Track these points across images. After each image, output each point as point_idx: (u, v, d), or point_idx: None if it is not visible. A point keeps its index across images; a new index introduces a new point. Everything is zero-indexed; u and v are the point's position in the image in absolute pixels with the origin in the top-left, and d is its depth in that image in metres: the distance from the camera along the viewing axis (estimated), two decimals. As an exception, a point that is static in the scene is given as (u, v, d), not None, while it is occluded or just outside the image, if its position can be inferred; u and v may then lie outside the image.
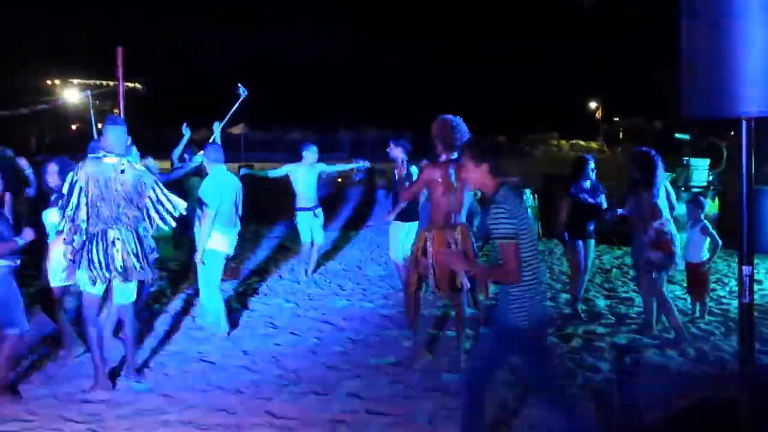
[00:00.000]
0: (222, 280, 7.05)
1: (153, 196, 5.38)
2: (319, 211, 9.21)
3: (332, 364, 6.02)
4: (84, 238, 5.22)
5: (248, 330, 7.12)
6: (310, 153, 9.06)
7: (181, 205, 5.50)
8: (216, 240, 6.66)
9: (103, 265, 5.19)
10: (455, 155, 5.74)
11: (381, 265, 10.49)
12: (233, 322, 7.22)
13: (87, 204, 5.18)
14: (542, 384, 4.07)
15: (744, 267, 3.31)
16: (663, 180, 6.69)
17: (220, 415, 4.92)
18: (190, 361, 6.16)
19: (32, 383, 5.60)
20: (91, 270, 5.19)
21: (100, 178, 5.19)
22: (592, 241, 7.61)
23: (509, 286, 3.82)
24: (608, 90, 61.07)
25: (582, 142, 59.74)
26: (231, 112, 8.11)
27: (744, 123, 3.28)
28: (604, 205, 7.41)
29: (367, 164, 10.49)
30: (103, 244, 5.20)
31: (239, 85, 8.19)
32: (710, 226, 7.28)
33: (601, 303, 8.14)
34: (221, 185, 6.69)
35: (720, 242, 7.16)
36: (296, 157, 9.29)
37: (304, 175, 9.05)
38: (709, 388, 5.44)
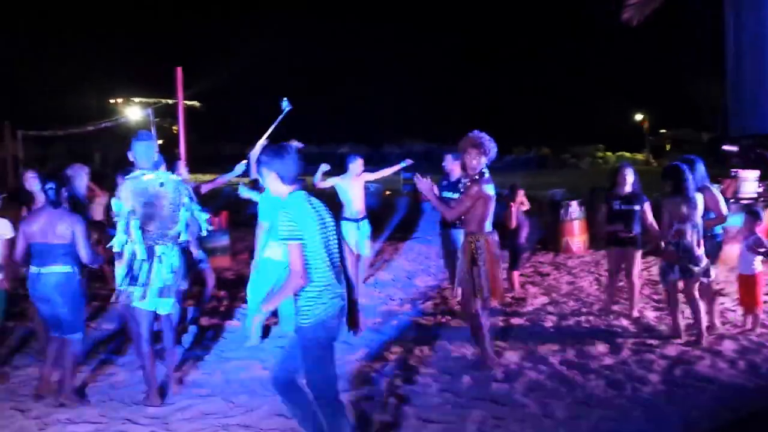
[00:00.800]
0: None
1: (186, 202, 5.60)
2: (364, 223, 9.14)
3: (383, 372, 6.16)
4: (134, 255, 5.39)
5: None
6: (355, 164, 9.11)
7: (204, 225, 5.76)
8: (272, 250, 6.87)
9: (148, 280, 5.38)
10: (486, 169, 6.15)
11: (430, 275, 10.62)
12: (288, 332, 7.40)
13: (134, 223, 5.36)
14: (318, 388, 4.19)
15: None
16: (696, 187, 6.95)
17: (278, 420, 5.10)
18: (250, 368, 6.36)
19: (100, 386, 5.88)
20: (136, 286, 5.37)
21: (143, 196, 5.39)
22: (632, 249, 7.88)
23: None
24: (655, 101, 60.38)
25: (628, 154, 59.05)
26: (274, 125, 8.28)
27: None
28: (640, 212, 7.71)
29: (409, 162, 10.34)
30: (149, 260, 5.39)
31: (283, 98, 8.36)
32: (764, 239, 7.28)
33: (650, 314, 8.14)
34: (275, 198, 6.88)
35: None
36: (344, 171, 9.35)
37: (350, 186, 9.12)
38: (760, 401, 5.44)
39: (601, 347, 6.79)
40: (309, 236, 4.01)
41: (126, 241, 5.37)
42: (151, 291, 5.39)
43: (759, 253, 7.25)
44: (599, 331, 7.41)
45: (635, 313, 7.99)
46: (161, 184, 5.47)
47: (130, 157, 5.62)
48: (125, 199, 5.37)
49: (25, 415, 5.27)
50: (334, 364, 4.20)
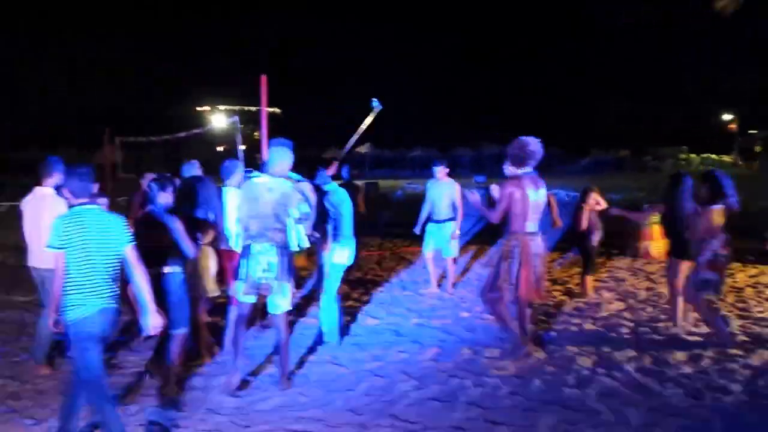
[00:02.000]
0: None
1: (295, 214, 5.71)
2: (449, 224, 9.47)
3: (453, 373, 6.11)
4: (240, 252, 5.71)
5: (375, 337, 7.37)
6: (437, 169, 9.58)
7: (304, 241, 5.84)
8: (335, 254, 6.94)
9: (246, 276, 5.61)
10: (529, 169, 6.42)
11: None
12: (360, 330, 7.60)
13: (239, 221, 5.68)
14: (83, 375, 4.48)
15: None
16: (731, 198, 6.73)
17: (347, 415, 5.16)
18: (324, 363, 6.47)
19: (186, 378, 6.04)
20: (238, 281, 5.66)
21: (249, 196, 5.62)
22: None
23: None
24: (745, 101, 58.22)
25: (714, 156, 57.25)
26: (365, 124, 8.33)
27: None
28: None
29: (483, 178, 10.70)
30: (248, 257, 5.61)
31: (373, 99, 8.41)
32: None
33: (734, 323, 7.83)
34: (337, 203, 6.93)
35: None
36: (420, 173, 9.70)
37: (434, 189, 9.58)
38: None
39: (679, 355, 6.56)
40: (70, 245, 4.39)
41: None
42: (246, 286, 5.64)
43: None
44: (678, 339, 7.16)
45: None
46: (269, 189, 5.65)
47: (266, 159, 5.88)
48: (234, 199, 5.69)
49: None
50: (100, 356, 4.49)
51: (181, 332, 5.58)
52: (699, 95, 59.38)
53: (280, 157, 5.76)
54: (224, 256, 6.62)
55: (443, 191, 9.52)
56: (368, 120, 8.43)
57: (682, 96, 60.77)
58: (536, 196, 6.39)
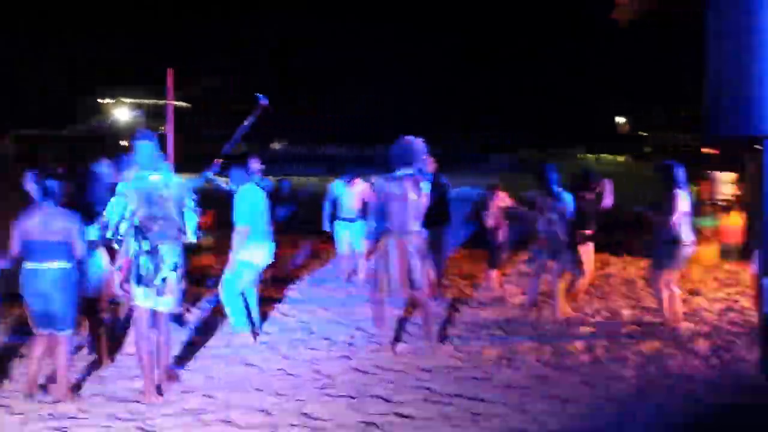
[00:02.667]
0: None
1: (190, 205, 5.68)
2: (360, 222, 9.65)
3: (364, 369, 6.24)
4: (135, 253, 5.49)
5: (286, 335, 7.42)
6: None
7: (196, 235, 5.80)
8: (249, 252, 6.95)
9: (152, 280, 5.48)
10: (410, 170, 6.54)
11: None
12: (272, 328, 7.61)
13: (137, 221, 5.46)
14: None
15: (764, 279, 3.48)
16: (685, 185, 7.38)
17: (258, 416, 5.16)
18: (232, 364, 6.44)
19: (85, 383, 5.92)
20: (140, 285, 5.47)
21: (148, 196, 5.47)
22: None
23: None
24: (636, 104, 60.72)
25: (609, 156, 59.44)
26: (250, 121, 8.28)
27: (766, 142, 3.46)
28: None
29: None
30: (153, 259, 5.47)
31: (258, 95, 8.37)
32: None
33: (626, 312, 8.29)
34: (252, 202, 6.97)
35: None
36: (332, 171, 9.85)
37: (344, 188, 9.90)
38: (732, 396, 5.57)
39: (577, 345, 6.92)
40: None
41: (122, 236, 5.50)
42: (152, 290, 5.49)
43: None
44: (576, 330, 7.54)
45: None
46: (166, 185, 5.56)
47: (133, 158, 5.70)
48: (130, 198, 5.46)
49: (7, 410, 5.31)
50: None
51: (69, 333, 5.47)
52: (595, 97, 61.56)
53: (151, 150, 5.62)
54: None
55: (354, 192, 9.77)
56: (252, 117, 8.39)
57: (580, 97, 62.84)
58: (416, 195, 6.53)
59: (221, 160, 7.75)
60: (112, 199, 5.52)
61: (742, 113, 3.33)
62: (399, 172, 6.57)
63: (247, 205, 6.95)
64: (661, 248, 7.43)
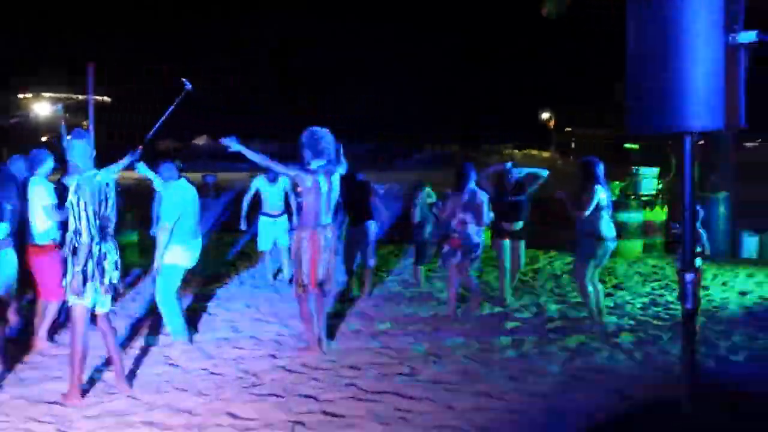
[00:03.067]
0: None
1: (114, 201, 5.52)
2: (284, 217, 9.61)
3: (291, 368, 6.13)
4: (78, 253, 5.28)
5: (210, 334, 7.24)
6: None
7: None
8: (175, 254, 6.72)
9: (98, 278, 5.31)
10: (323, 162, 6.42)
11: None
12: (197, 327, 7.42)
13: (87, 220, 5.27)
14: None
15: (686, 274, 3.52)
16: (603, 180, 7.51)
17: (183, 416, 5.01)
18: (156, 364, 6.26)
19: (3, 385, 5.67)
20: (87, 283, 5.27)
21: (95, 194, 5.31)
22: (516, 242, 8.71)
23: None
24: (561, 101, 62.02)
25: (535, 152, 60.54)
26: (174, 104, 8.04)
27: (687, 138, 3.49)
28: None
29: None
30: (96, 258, 5.31)
31: (183, 79, 8.15)
32: (704, 234, 7.62)
33: (552, 308, 8.38)
34: (180, 201, 6.75)
35: (708, 248, 7.63)
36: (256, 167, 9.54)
37: (267, 184, 9.63)
38: (655, 390, 5.66)
39: (503, 340, 6.95)
40: None
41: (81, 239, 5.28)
42: (101, 289, 5.33)
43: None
44: (503, 326, 7.58)
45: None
46: (107, 184, 5.43)
47: (69, 157, 5.49)
48: (87, 195, 5.25)
49: None
50: None
51: None
52: (520, 92, 62.75)
53: (88, 149, 5.46)
54: (31, 252, 6.31)
55: (277, 187, 9.57)
56: (178, 99, 8.16)
57: (506, 93, 63.91)
58: (329, 188, 6.45)
59: (141, 147, 7.48)
60: (71, 199, 5.29)
61: (662, 110, 3.35)
62: (312, 165, 6.45)
63: (176, 202, 6.73)
64: (582, 243, 7.56)
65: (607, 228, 7.42)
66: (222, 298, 8.91)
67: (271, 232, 9.60)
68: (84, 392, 5.43)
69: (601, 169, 7.47)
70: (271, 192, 9.56)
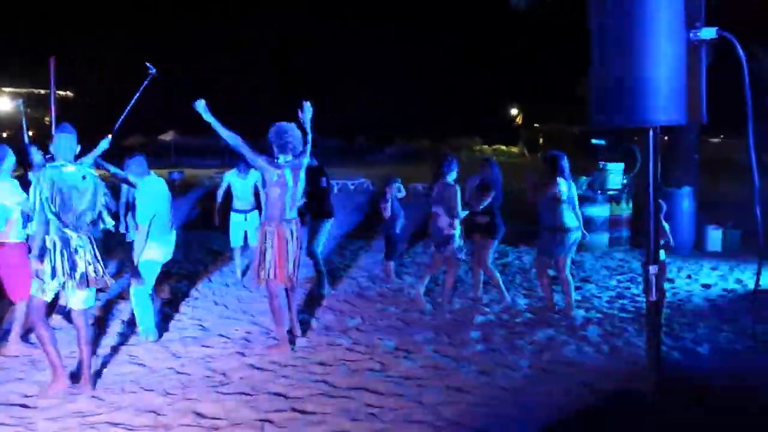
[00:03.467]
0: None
1: (102, 200, 5.54)
2: (254, 213, 9.48)
3: (260, 365, 6.10)
4: (51, 245, 5.27)
5: (177, 332, 7.16)
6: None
7: (109, 222, 5.66)
8: (150, 250, 6.69)
9: (67, 273, 5.27)
10: (290, 157, 6.48)
11: (307, 267, 10.58)
12: (164, 326, 7.31)
13: (50, 212, 5.25)
14: None
15: (650, 266, 3.55)
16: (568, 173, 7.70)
17: (149, 417, 4.95)
18: (121, 363, 6.18)
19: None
20: (54, 278, 5.26)
21: (63, 187, 5.28)
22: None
23: None
24: (529, 96, 62.53)
25: (503, 147, 60.98)
26: (140, 90, 7.96)
27: (650, 131, 3.52)
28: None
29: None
30: (66, 252, 5.27)
31: (148, 64, 8.06)
32: (667, 227, 7.71)
33: (521, 301, 8.43)
34: (153, 197, 6.69)
35: (671, 241, 7.71)
36: (226, 163, 9.56)
37: (237, 180, 9.52)
38: (622, 382, 5.72)
39: (474, 335, 6.97)
40: None
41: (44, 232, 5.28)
42: (69, 284, 5.31)
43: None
44: (473, 319, 7.61)
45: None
46: (83, 177, 5.40)
47: (51, 149, 5.51)
48: (44, 188, 5.24)
49: None
50: None
51: None
52: (489, 88, 63.25)
53: (70, 143, 5.47)
54: None
55: (248, 182, 9.49)
56: (143, 84, 8.09)
57: (476, 89, 64.29)
58: (294, 183, 6.49)
59: (111, 135, 7.38)
60: (30, 192, 5.29)
61: (625, 104, 3.38)
62: (279, 159, 6.46)
63: (149, 199, 6.66)
64: (544, 235, 7.80)
65: (570, 219, 7.62)
66: (190, 297, 8.83)
67: (241, 228, 9.52)
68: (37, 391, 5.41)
69: (565, 162, 7.62)
70: (242, 186, 9.47)
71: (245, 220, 9.51)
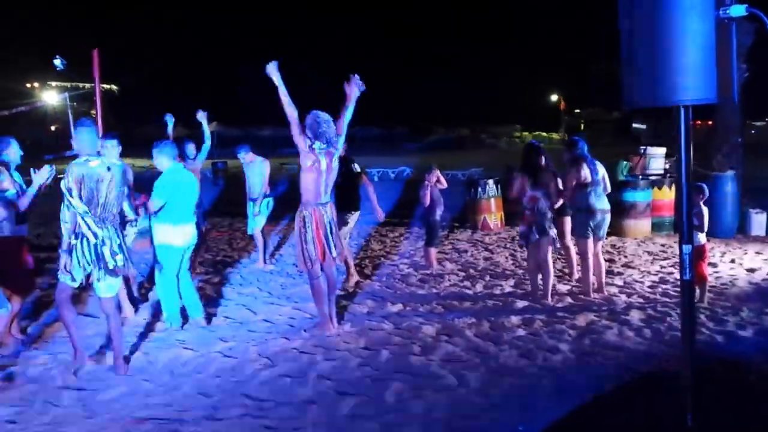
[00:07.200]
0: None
1: (126, 190, 5.73)
2: (266, 200, 9.86)
3: (304, 349, 6.23)
4: (78, 236, 5.48)
5: (224, 318, 7.36)
6: (243, 155, 9.92)
7: (130, 213, 5.90)
8: (167, 235, 6.82)
9: (93, 263, 5.47)
10: (324, 145, 6.56)
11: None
12: (211, 311, 7.52)
13: (77, 206, 5.42)
14: None
15: (684, 246, 3.58)
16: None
17: (197, 399, 5.11)
18: (171, 347, 6.36)
19: (20, 369, 5.80)
20: (79, 268, 5.46)
21: (89, 181, 5.44)
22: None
23: None
24: (570, 82, 61.84)
25: (544, 134, 60.48)
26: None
27: (681, 110, 3.54)
28: None
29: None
30: (93, 242, 5.45)
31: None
32: (706, 211, 7.67)
33: (562, 287, 8.45)
34: (175, 182, 6.84)
35: (705, 226, 7.67)
36: (265, 154, 9.82)
37: (248, 169, 9.94)
38: (664, 366, 5.72)
39: (514, 320, 7.02)
40: None
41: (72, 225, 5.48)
42: (98, 274, 5.51)
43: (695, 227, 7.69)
44: (514, 305, 7.66)
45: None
46: (108, 169, 5.53)
47: (74, 144, 5.65)
48: (71, 183, 5.41)
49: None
50: None
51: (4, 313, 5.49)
52: (529, 75, 62.65)
53: (93, 137, 5.59)
54: None
55: (257, 170, 9.79)
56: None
57: (515, 76, 63.74)
58: (328, 168, 6.61)
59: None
60: (63, 184, 5.46)
61: (656, 84, 3.40)
62: (314, 145, 6.56)
63: (167, 184, 6.78)
64: (575, 217, 8.00)
65: (597, 201, 7.82)
66: (235, 283, 9.02)
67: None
68: (91, 375, 5.62)
69: (584, 146, 7.93)
70: (253, 176, 9.86)
71: (253, 205, 9.90)
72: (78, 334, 5.76)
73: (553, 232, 7.79)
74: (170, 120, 8.89)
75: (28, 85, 52.29)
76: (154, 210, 6.75)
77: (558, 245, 8.18)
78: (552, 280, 7.93)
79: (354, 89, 6.70)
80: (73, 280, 5.53)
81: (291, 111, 6.39)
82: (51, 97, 43.24)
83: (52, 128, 47.83)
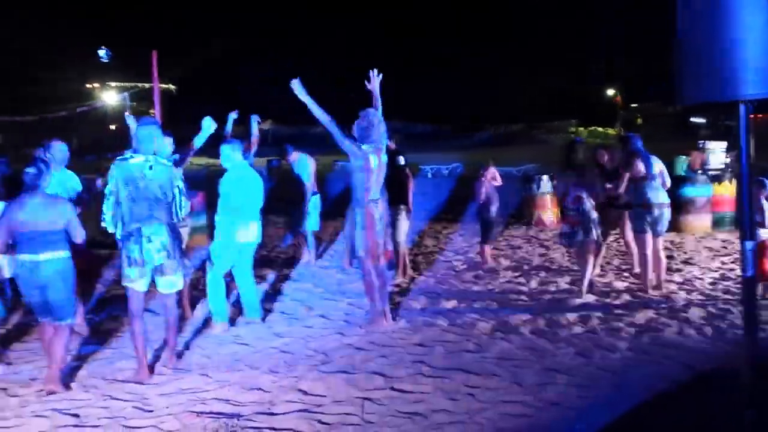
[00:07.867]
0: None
1: (180, 185, 5.73)
2: (315, 198, 9.96)
3: (359, 345, 6.26)
4: (122, 235, 5.56)
5: (280, 313, 7.45)
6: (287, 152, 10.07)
7: (186, 207, 5.85)
8: (234, 231, 6.86)
9: (141, 261, 5.52)
10: (371, 146, 6.62)
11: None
12: (267, 307, 7.61)
13: (118, 205, 5.52)
14: None
15: (746, 242, 3.48)
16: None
17: (254, 393, 5.17)
18: (227, 343, 6.46)
19: (77, 365, 5.94)
20: (131, 267, 5.52)
21: (129, 179, 5.49)
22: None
23: None
24: (627, 76, 60.78)
25: (600, 129, 59.54)
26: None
27: (741, 106, 3.44)
28: None
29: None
30: (138, 241, 5.50)
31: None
32: (767, 206, 7.53)
33: (619, 284, 8.32)
34: (239, 180, 6.93)
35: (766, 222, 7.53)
36: (319, 151, 9.92)
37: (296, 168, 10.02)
38: (725, 364, 5.58)
39: (570, 317, 6.94)
40: None
41: (116, 222, 5.57)
42: (142, 271, 5.54)
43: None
44: (569, 301, 7.58)
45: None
46: (150, 167, 5.55)
47: (134, 143, 5.74)
48: (111, 182, 5.51)
49: (6, 393, 5.33)
50: None
51: (71, 322, 5.50)
52: (585, 70, 61.94)
53: (150, 136, 5.64)
54: None
55: (302, 168, 9.87)
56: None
57: (572, 71, 63.04)
58: (378, 165, 6.66)
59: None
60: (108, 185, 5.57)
61: (714, 79, 3.31)
62: (364, 145, 6.61)
63: (234, 184, 6.89)
64: (633, 212, 7.92)
65: (655, 195, 7.73)
66: (292, 279, 9.12)
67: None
68: (152, 369, 5.72)
69: (638, 142, 7.91)
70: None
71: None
72: (144, 349, 5.68)
73: (596, 232, 7.66)
74: (254, 119, 8.68)
75: (88, 86, 53.53)
76: (222, 207, 6.85)
77: (601, 243, 8.12)
78: (589, 277, 7.86)
79: (375, 84, 6.84)
80: (132, 281, 5.56)
81: (325, 119, 6.45)
82: (110, 97, 44.20)
83: (112, 127, 48.98)
